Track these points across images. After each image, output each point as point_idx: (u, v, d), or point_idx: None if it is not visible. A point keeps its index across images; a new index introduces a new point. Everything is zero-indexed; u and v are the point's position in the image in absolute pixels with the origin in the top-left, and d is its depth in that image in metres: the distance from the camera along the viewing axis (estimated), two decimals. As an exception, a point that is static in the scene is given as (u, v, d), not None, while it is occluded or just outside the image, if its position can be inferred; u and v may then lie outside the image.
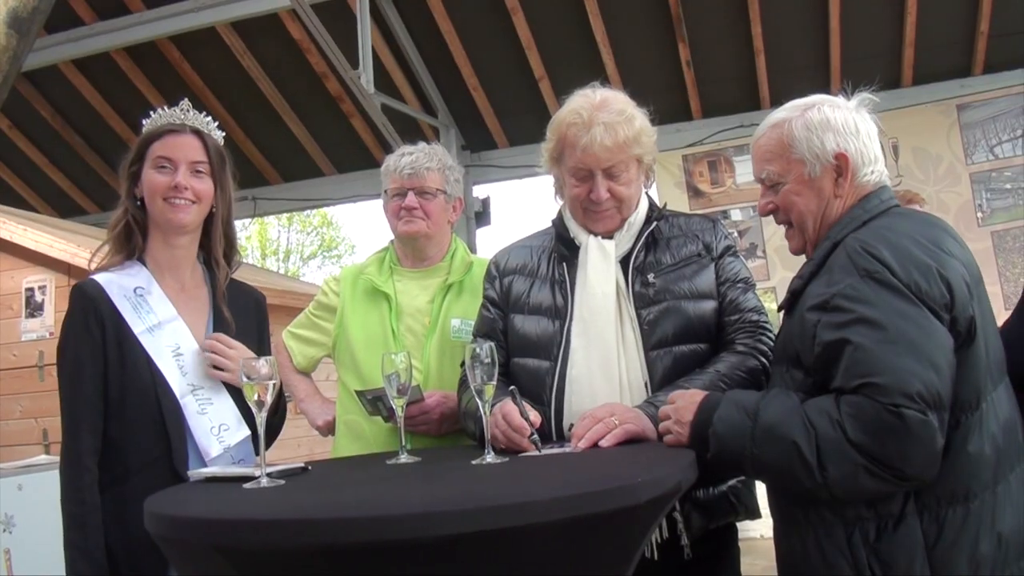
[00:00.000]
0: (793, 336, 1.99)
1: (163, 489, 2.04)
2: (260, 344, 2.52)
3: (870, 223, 2.00)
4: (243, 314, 2.50)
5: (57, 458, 2.25)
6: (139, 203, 2.36)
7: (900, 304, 1.80)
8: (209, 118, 2.45)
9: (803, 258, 2.18)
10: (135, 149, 2.37)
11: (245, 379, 1.96)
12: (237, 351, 2.34)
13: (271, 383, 1.97)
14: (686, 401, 2.05)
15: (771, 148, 2.15)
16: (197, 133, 2.39)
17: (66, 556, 2.15)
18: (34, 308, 5.68)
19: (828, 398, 1.81)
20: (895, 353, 1.75)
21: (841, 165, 2.07)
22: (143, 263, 2.37)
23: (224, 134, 2.49)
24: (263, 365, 1.97)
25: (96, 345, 2.23)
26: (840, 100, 2.16)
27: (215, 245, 2.43)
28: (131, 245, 2.36)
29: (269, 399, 1.96)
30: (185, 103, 2.43)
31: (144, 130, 2.39)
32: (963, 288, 1.85)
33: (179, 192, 2.32)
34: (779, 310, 2.15)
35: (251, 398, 1.96)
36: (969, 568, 1.79)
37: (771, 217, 2.21)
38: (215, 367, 2.32)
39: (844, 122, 2.09)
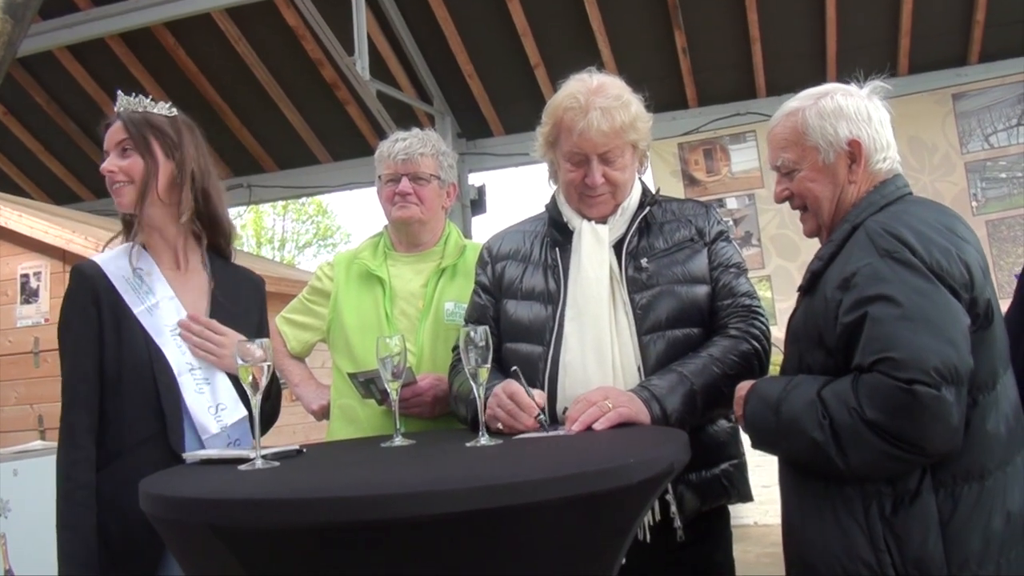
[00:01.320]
0: (816, 315, 2.02)
1: (159, 467, 2.06)
2: (260, 328, 2.55)
3: (887, 208, 2.05)
4: (242, 298, 2.51)
5: (52, 444, 2.27)
6: None
7: (918, 282, 1.84)
8: (146, 97, 2.44)
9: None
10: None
11: (240, 361, 1.97)
12: (228, 337, 2.35)
13: (265, 365, 1.98)
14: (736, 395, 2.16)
15: (786, 136, 2.20)
16: (119, 116, 2.40)
17: (57, 534, 2.17)
18: (29, 294, 5.69)
19: (847, 380, 1.86)
20: (912, 330, 1.79)
21: (854, 152, 2.12)
22: (143, 246, 2.40)
23: (172, 108, 2.47)
24: (257, 348, 1.98)
25: (92, 324, 2.25)
26: (853, 88, 2.19)
27: (184, 209, 2.39)
28: (131, 229, 2.41)
29: (264, 381, 1.97)
30: (142, 98, 2.44)
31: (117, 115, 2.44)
32: (980, 272, 1.91)
33: (112, 177, 2.36)
34: (799, 291, 2.18)
35: (246, 380, 1.97)
36: (981, 544, 1.84)
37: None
38: (201, 349, 2.35)
39: (856, 109, 2.13)
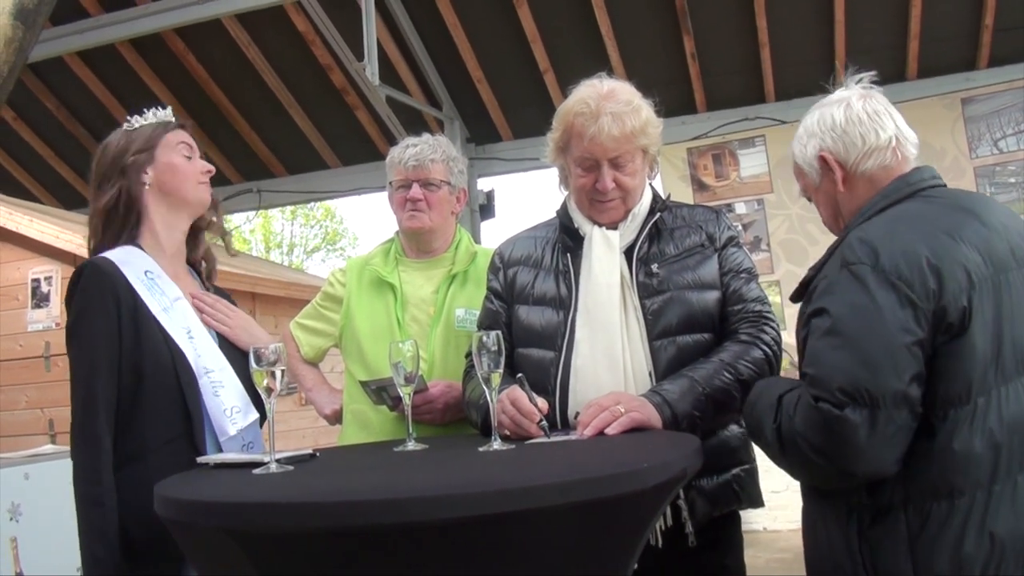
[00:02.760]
0: (798, 323, 2.03)
1: (183, 468, 2.07)
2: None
3: (888, 209, 2.00)
4: None
5: (63, 448, 2.27)
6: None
7: (858, 297, 1.82)
8: (160, 108, 2.59)
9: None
10: (143, 138, 2.44)
11: (254, 365, 1.98)
12: (236, 316, 2.48)
13: (279, 369, 2.00)
14: None
15: (793, 171, 2.29)
16: (184, 127, 2.56)
17: (81, 538, 2.14)
18: (40, 299, 5.70)
19: (799, 390, 1.89)
20: (831, 346, 1.81)
21: (826, 164, 2.12)
22: (140, 247, 2.39)
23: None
24: (272, 352, 1.99)
25: (112, 322, 2.23)
26: (831, 97, 2.19)
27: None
28: (128, 227, 2.41)
29: (278, 386, 1.98)
30: (169, 110, 2.56)
31: (148, 126, 2.48)
32: (960, 278, 1.81)
33: (208, 174, 2.50)
34: (791, 299, 2.18)
35: (260, 384, 1.99)
36: (951, 566, 1.77)
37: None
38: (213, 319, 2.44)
39: (820, 120, 2.14)
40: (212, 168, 2.52)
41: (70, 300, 2.29)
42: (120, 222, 2.41)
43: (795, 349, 2.32)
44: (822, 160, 2.12)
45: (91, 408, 2.19)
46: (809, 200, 2.28)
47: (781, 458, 1.91)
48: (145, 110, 2.51)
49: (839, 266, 1.89)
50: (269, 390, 1.98)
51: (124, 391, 2.22)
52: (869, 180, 2.09)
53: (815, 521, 2.01)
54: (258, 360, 1.99)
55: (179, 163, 2.45)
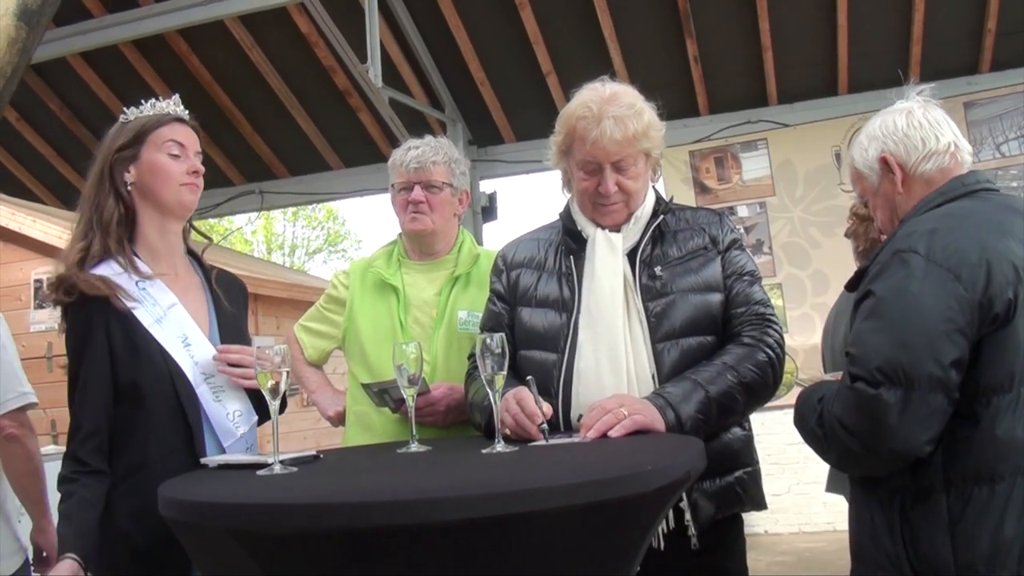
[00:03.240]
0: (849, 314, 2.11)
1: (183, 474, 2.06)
2: (246, 330, 2.58)
3: (944, 205, 2.08)
4: (235, 300, 2.53)
5: (65, 448, 2.27)
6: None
7: (904, 282, 1.89)
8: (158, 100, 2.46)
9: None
10: (130, 134, 2.35)
11: (259, 368, 1.99)
12: (245, 354, 2.34)
13: (284, 371, 2.00)
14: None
15: (850, 177, 2.37)
16: (193, 128, 2.42)
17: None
18: (43, 299, 5.71)
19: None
20: (873, 328, 1.88)
21: (888, 166, 2.19)
22: (135, 254, 2.35)
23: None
24: (276, 353, 2.00)
25: (102, 347, 2.22)
26: (894, 106, 2.28)
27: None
28: (119, 228, 2.33)
29: (283, 387, 1.99)
30: (176, 98, 2.44)
31: (140, 119, 2.37)
32: (1007, 271, 1.90)
33: (197, 176, 2.37)
34: (846, 288, 2.26)
35: (265, 385, 2.00)
36: (990, 549, 1.84)
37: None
38: (238, 375, 2.33)
39: (882, 125, 2.23)
40: (201, 168, 2.38)
41: (65, 336, 2.28)
42: (122, 231, 2.34)
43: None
44: (883, 162, 2.20)
45: (74, 434, 2.23)
46: (865, 206, 2.37)
47: (826, 452, 1.99)
48: (143, 102, 2.40)
49: (891, 253, 1.96)
50: (274, 392, 1.99)
51: (123, 405, 2.22)
52: (927, 182, 2.16)
53: (862, 506, 2.07)
54: (262, 363, 2.00)
55: (161, 163, 2.33)
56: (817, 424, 1.99)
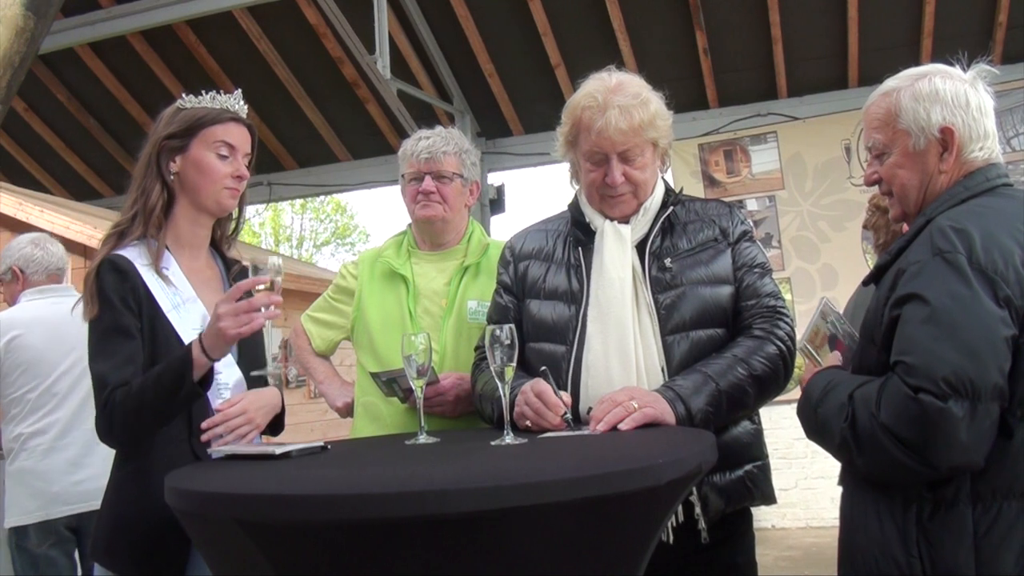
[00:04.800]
0: (871, 311, 1.98)
1: (184, 465, 2.06)
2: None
3: (970, 201, 1.95)
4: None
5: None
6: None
7: (957, 287, 1.76)
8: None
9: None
10: (183, 124, 2.33)
11: (252, 274, 2.09)
12: (245, 411, 2.29)
13: (278, 279, 2.07)
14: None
15: (879, 116, 2.09)
16: (249, 128, 2.40)
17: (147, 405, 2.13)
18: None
19: (878, 382, 1.82)
20: (933, 336, 1.73)
21: (946, 139, 2.00)
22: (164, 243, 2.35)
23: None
24: (275, 258, 2.04)
25: (133, 318, 2.21)
26: (955, 71, 2.08)
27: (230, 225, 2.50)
28: (156, 212, 2.33)
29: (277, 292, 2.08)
30: (238, 93, 2.42)
31: (197, 110, 2.35)
32: None
33: (240, 181, 2.36)
34: (864, 284, 2.15)
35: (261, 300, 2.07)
36: (1016, 567, 1.75)
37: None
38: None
39: (954, 94, 2.01)
40: (245, 174, 2.37)
41: (92, 295, 2.24)
42: (152, 211, 2.32)
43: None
44: (947, 132, 1.99)
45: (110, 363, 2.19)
46: (876, 156, 2.14)
47: (857, 456, 1.84)
48: (203, 92, 2.37)
49: (930, 253, 1.83)
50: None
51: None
52: (965, 168, 2.01)
53: (869, 514, 1.94)
54: (256, 272, 2.06)
55: (208, 162, 2.31)
56: (848, 425, 1.85)
